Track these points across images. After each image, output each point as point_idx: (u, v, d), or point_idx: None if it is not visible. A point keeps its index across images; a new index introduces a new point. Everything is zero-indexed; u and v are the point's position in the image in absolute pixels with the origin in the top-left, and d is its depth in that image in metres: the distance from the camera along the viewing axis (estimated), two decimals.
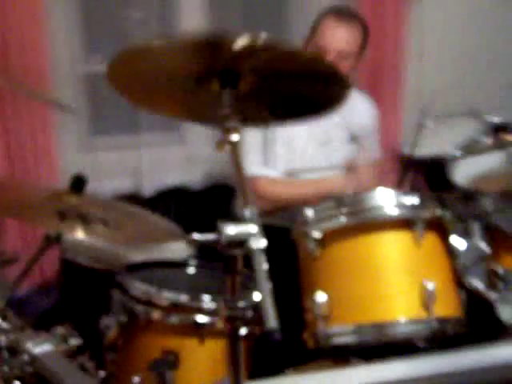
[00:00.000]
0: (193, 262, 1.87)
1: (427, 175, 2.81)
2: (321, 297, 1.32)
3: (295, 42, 2.48)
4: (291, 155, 2.25)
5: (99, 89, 2.89)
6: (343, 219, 1.36)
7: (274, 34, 1.10)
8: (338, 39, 2.05)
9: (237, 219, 2.38)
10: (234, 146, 1.12)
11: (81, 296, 2.02)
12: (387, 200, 1.37)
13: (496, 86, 2.96)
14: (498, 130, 1.76)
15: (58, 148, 2.63)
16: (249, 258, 0.94)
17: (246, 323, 0.99)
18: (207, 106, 1.25)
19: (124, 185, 2.77)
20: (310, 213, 1.35)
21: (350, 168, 2.18)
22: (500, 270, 1.46)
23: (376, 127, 2.42)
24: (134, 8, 2.71)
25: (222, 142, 1.12)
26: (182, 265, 1.86)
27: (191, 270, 1.84)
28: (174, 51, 1.13)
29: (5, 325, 1.43)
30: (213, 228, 2.13)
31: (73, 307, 2.03)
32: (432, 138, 2.96)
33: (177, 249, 2.04)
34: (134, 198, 2.73)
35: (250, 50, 1.10)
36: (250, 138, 2.19)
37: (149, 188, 2.81)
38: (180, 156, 2.93)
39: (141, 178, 2.80)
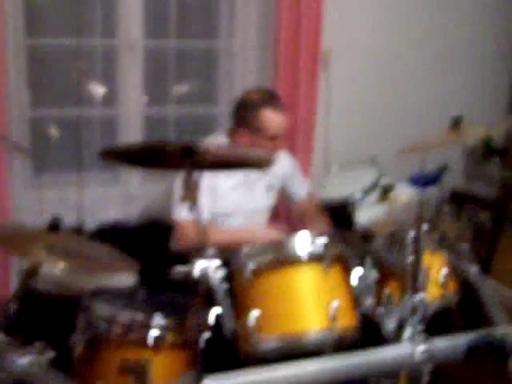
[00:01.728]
0: (141, 289, 2.23)
1: (333, 215, 3.26)
2: (255, 313, 1.76)
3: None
4: (215, 200, 2.53)
5: (44, 131, 3.20)
6: (271, 255, 1.81)
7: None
8: (279, 127, 2.57)
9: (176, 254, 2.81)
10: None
11: (41, 318, 2.31)
12: (303, 241, 1.83)
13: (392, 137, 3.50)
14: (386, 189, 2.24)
15: (7, 186, 2.87)
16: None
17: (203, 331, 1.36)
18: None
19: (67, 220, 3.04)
20: (246, 250, 1.79)
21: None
22: (385, 292, 1.94)
23: (297, 170, 2.90)
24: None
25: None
26: (133, 291, 2.20)
27: (141, 295, 2.17)
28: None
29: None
30: (148, 261, 2.54)
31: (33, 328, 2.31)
32: (337, 183, 3.43)
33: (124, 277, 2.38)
34: (77, 233, 3.02)
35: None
36: (178, 185, 2.34)
37: (90, 224, 3.09)
38: (118, 194, 3.26)
39: (83, 214, 3.11)
